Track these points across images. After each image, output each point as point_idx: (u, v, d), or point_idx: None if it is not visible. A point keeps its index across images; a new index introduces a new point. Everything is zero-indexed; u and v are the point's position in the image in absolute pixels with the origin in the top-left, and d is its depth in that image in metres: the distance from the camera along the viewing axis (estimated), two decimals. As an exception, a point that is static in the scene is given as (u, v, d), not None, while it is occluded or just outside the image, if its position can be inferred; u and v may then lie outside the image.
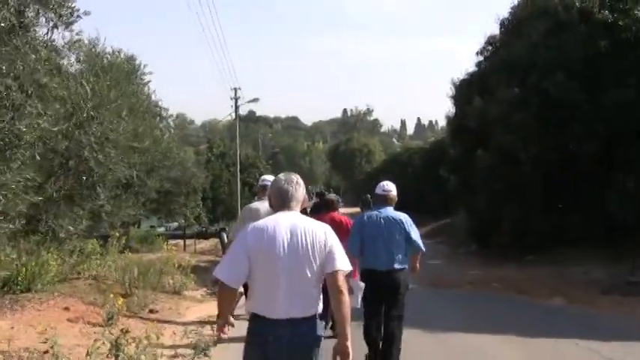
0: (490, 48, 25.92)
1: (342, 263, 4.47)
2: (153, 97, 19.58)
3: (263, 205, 8.46)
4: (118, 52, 15.84)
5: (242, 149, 54.42)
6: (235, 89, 46.47)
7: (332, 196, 11.63)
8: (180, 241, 28.70)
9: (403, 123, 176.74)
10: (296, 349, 4.39)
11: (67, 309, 11.35)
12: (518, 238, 21.56)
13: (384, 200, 8.19)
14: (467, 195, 24.74)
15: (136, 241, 25.80)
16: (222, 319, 4.59)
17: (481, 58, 26.29)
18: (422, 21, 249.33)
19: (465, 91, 24.90)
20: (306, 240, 4.43)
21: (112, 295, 11.35)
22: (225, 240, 27.19)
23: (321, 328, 4.55)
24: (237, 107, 46.31)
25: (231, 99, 46.30)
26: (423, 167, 46.17)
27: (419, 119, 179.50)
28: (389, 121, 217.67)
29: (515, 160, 20.96)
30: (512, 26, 23.79)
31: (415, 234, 8.05)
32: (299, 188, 4.74)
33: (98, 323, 10.80)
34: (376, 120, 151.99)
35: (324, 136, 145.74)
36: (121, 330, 8.35)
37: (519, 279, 16.55)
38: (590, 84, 19.11)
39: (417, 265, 8.24)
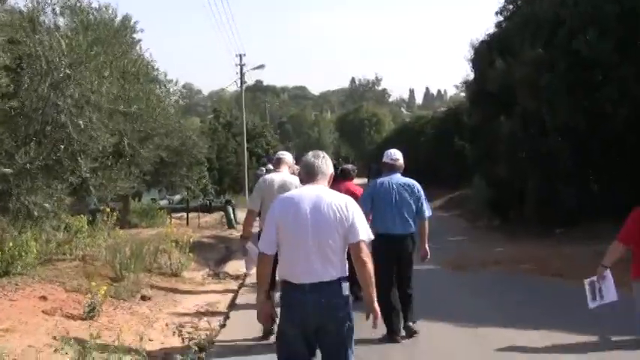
0: (511, 7, 24.20)
1: (365, 233, 4.92)
2: (148, 60, 18.07)
3: (278, 176, 8.71)
4: (106, 7, 14.27)
5: (249, 119, 53.07)
6: (240, 55, 44.89)
7: (348, 166, 11.77)
8: (185, 215, 27.18)
9: (412, 92, 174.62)
10: (323, 310, 4.79)
11: (44, 298, 9.92)
12: (544, 211, 19.99)
13: (392, 168, 8.71)
14: (487, 165, 23.11)
15: (136, 215, 24.35)
16: (260, 291, 5.13)
17: (501, 18, 24.56)
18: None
19: (485, 54, 23.14)
20: (329, 211, 4.86)
21: (93, 284, 9.91)
22: (231, 214, 25.78)
23: (347, 289, 4.89)
24: (242, 74, 44.74)
25: (236, 65, 44.73)
26: (435, 136, 44.37)
27: (427, 88, 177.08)
28: (397, 91, 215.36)
29: (541, 126, 19.39)
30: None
31: (424, 199, 8.62)
32: (325, 162, 5.23)
33: (78, 316, 9.39)
34: (385, 89, 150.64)
35: (332, 106, 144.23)
36: (91, 335, 6.96)
37: (551, 258, 14.92)
38: (625, 43, 17.46)
39: (426, 240, 8.74)
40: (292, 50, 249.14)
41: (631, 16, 17.44)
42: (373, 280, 4.91)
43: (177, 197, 30.51)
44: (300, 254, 4.84)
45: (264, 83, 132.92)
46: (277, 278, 5.21)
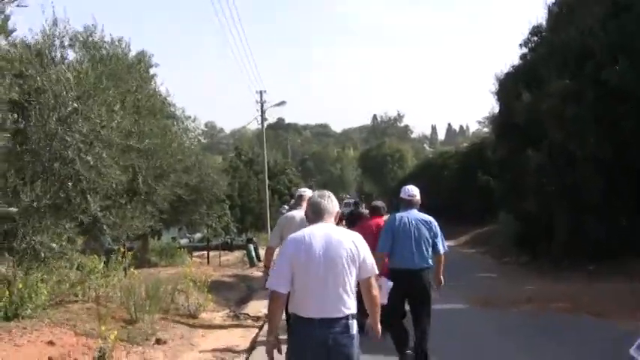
0: (535, 39, 23.70)
1: (374, 269, 5.26)
2: (165, 95, 17.69)
3: (299, 213, 9.00)
4: (119, 41, 13.88)
5: (271, 156, 52.75)
6: (261, 92, 44.60)
7: (378, 202, 12.08)
8: (206, 253, 26.69)
9: (434, 128, 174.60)
10: (332, 344, 4.95)
11: (51, 343, 9.36)
12: (573, 245, 19.31)
13: (409, 204, 8.85)
14: (515, 199, 22.47)
15: (155, 254, 23.89)
16: (271, 333, 5.23)
17: (525, 50, 24.07)
18: (450, 27, 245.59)
19: (511, 86, 22.60)
20: (339, 249, 5.06)
21: (103, 328, 9.38)
22: (252, 252, 25.27)
23: (355, 327, 5.09)
24: (262, 111, 44.39)
25: (257, 102, 44.45)
26: (459, 171, 43.74)
27: (449, 124, 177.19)
28: (419, 127, 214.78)
29: (569, 158, 18.76)
30: (561, 12, 21.51)
31: (440, 235, 8.74)
32: (330, 202, 5.45)
33: (87, 363, 8.86)
34: (407, 126, 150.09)
35: (354, 143, 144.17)
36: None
37: (587, 295, 14.22)
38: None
39: (441, 272, 8.87)
40: (314, 88, 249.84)
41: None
42: (379, 308, 5.40)
43: (198, 235, 30.03)
44: (312, 290, 5.04)
45: (286, 121, 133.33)
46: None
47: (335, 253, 5.05)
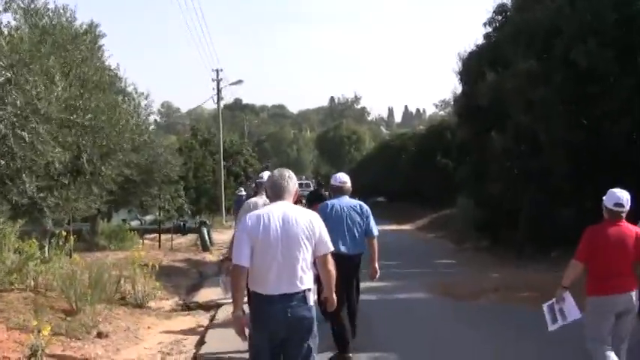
0: (500, 18, 22.97)
1: (330, 246, 5.56)
2: (114, 69, 16.65)
3: (261, 199, 8.78)
4: (64, 9, 12.83)
5: (227, 137, 51.78)
6: (217, 70, 43.62)
7: (326, 193, 12.75)
8: (157, 236, 25.68)
9: (391, 111, 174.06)
10: (291, 318, 5.20)
11: (-25, 338, 8.49)
12: (538, 232, 18.76)
13: (340, 190, 9.25)
14: (477, 183, 21.85)
15: (105, 237, 22.87)
16: (237, 309, 5.35)
17: (490, 29, 23.27)
18: (407, 9, 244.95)
19: (474, 66, 21.84)
20: (296, 227, 5.32)
21: (34, 322, 8.50)
22: (206, 236, 24.42)
23: (312, 299, 5.37)
24: (219, 89, 43.48)
25: (213, 81, 43.39)
26: (417, 154, 43.03)
27: (406, 107, 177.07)
28: (376, 110, 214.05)
29: (535, 141, 18.14)
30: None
31: (372, 219, 9.14)
32: (290, 182, 5.63)
33: (17, 361, 7.98)
34: (364, 108, 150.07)
35: (311, 125, 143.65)
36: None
37: (550, 285, 13.56)
38: (626, 52, 16.31)
39: (376, 258, 9.13)
40: (271, 68, 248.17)
41: (631, 24, 16.33)
42: (334, 283, 5.69)
43: (150, 217, 28.89)
44: (270, 267, 5.23)
45: (243, 102, 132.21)
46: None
47: (292, 231, 5.28)
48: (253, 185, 12.05)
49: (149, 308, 12.72)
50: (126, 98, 17.72)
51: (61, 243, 12.73)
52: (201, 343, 10.25)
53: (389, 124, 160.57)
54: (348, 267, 8.60)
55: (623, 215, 6.97)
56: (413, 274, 17.02)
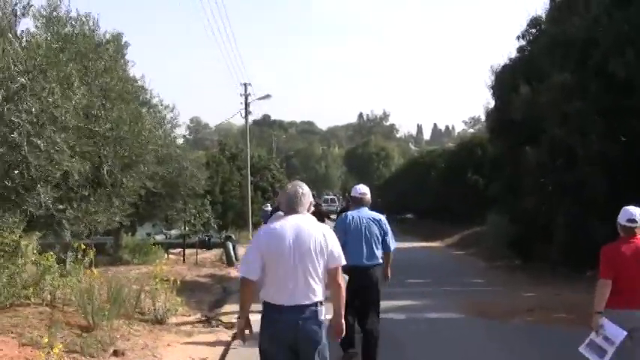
0: (534, 31, 22.49)
1: (341, 259, 5.56)
2: (138, 80, 16.36)
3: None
4: (86, 17, 12.52)
5: (255, 152, 51.48)
6: (245, 85, 43.24)
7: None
8: (182, 251, 25.30)
9: (420, 128, 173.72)
10: (301, 330, 5.31)
11: (-15, 355, 8.08)
12: (574, 247, 18.07)
13: (360, 202, 9.24)
14: (509, 199, 21.24)
15: (129, 251, 22.53)
16: (242, 316, 5.55)
17: (523, 42, 22.82)
18: (437, 25, 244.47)
19: (508, 79, 21.33)
20: (309, 240, 5.39)
21: (45, 340, 8.08)
22: (231, 250, 24.00)
23: (323, 313, 5.42)
24: (247, 103, 43.06)
25: (241, 95, 43.08)
26: (447, 171, 42.37)
27: (435, 124, 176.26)
28: (405, 127, 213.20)
29: (570, 155, 17.57)
30: (564, 2, 20.23)
31: (390, 233, 9.16)
32: (304, 195, 5.70)
33: (27, 380, 7.56)
34: (392, 125, 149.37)
35: (340, 141, 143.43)
36: None
37: (588, 305, 12.96)
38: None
39: (389, 268, 9.27)
40: (300, 85, 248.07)
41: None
42: (344, 301, 5.60)
43: (175, 232, 28.49)
44: (283, 279, 5.33)
45: (272, 118, 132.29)
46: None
47: (304, 244, 5.36)
48: (276, 198, 11.72)
49: (169, 325, 12.28)
50: (151, 110, 17.42)
51: (80, 257, 12.30)
52: (222, 360, 9.83)
53: (417, 141, 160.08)
54: (363, 278, 8.56)
55: (637, 231, 7.02)
56: (443, 293, 16.50)
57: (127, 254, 21.95)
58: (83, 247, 12.15)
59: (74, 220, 11.71)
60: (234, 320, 12.93)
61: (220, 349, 10.74)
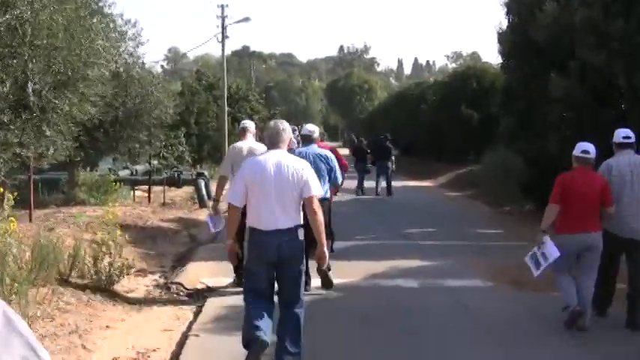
0: None
1: (316, 190, 6.31)
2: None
3: (245, 144, 10.13)
4: None
5: (233, 82, 48.53)
6: (222, 6, 39.82)
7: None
8: (149, 190, 22.24)
9: (400, 62, 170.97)
10: (282, 249, 6.12)
11: None
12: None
13: (309, 139, 10.22)
14: (526, 136, 18.31)
15: (86, 189, 19.47)
16: (230, 236, 6.48)
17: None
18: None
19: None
20: (288, 172, 6.15)
21: None
22: (203, 189, 21.10)
23: (302, 234, 6.24)
24: (223, 27, 39.74)
25: (218, 17, 39.70)
26: (439, 103, 39.10)
27: (416, 59, 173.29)
28: (385, 61, 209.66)
29: (609, 86, 14.78)
30: None
31: (338, 168, 10.17)
32: (285, 132, 6.46)
33: None
34: (373, 58, 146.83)
35: (320, 74, 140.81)
36: None
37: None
38: None
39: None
40: (279, 15, 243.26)
41: None
42: (323, 227, 6.31)
43: (142, 167, 25.33)
44: (265, 206, 6.15)
45: (251, 49, 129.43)
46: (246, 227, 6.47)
47: (284, 176, 6.15)
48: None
49: (116, 291, 9.43)
50: (105, 21, 14.34)
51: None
52: (177, 354, 7.04)
53: (398, 75, 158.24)
54: None
55: (590, 162, 8.04)
56: (455, 249, 13.65)
57: (83, 193, 18.91)
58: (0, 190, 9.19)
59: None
60: (199, 287, 10.21)
61: (177, 333, 7.89)
